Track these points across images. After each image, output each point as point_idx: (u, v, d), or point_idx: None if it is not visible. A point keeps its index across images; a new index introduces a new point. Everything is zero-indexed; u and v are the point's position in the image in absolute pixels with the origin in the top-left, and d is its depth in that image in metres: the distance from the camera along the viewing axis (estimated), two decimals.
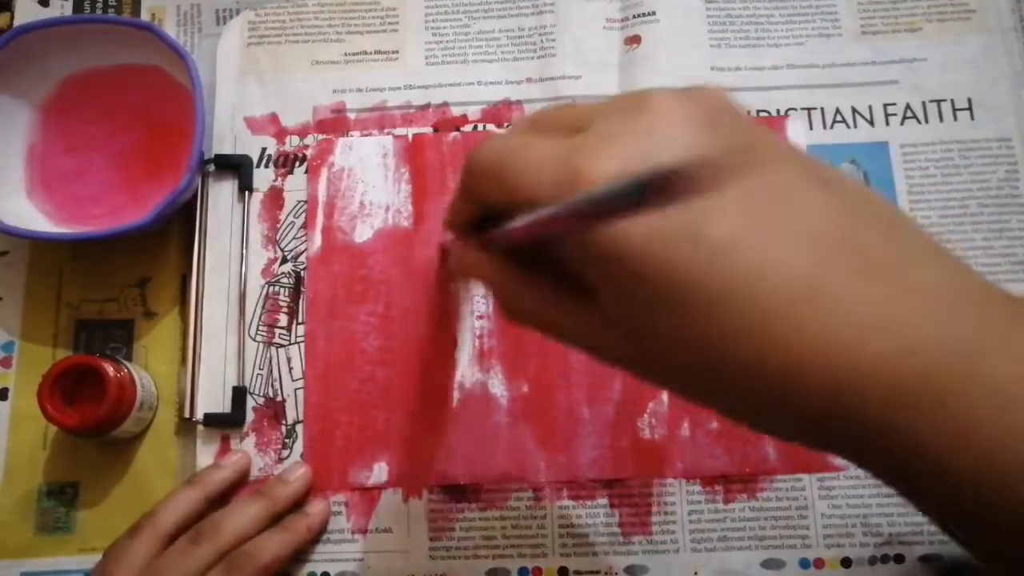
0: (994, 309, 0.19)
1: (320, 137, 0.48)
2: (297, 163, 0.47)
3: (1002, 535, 0.18)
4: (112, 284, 0.46)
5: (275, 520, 0.41)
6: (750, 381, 0.19)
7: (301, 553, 0.41)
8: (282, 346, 0.45)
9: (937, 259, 0.20)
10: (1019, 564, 0.19)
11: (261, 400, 0.44)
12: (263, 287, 0.46)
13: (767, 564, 0.41)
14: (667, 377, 0.21)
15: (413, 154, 0.47)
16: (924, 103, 0.47)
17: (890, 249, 0.19)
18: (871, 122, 0.47)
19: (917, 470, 0.18)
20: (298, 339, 0.45)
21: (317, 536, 0.42)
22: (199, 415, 0.43)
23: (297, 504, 0.42)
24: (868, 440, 0.18)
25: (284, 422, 0.44)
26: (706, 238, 0.18)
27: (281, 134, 0.48)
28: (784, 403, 0.19)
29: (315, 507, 0.42)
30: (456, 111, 0.48)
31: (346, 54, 0.49)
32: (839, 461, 0.42)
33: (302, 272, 0.46)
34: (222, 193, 0.47)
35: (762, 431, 0.21)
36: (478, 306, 0.44)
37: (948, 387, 0.18)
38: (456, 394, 0.43)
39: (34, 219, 0.45)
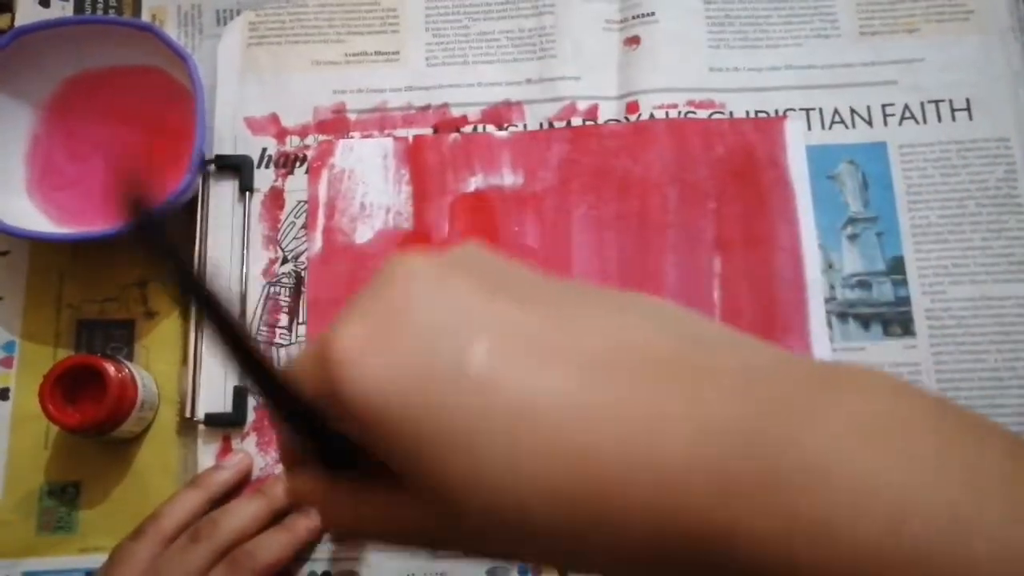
0: (799, 382, 0.18)
1: (320, 138, 0.48)
2: (297, 163, 0.47)
3: None
4: (113, 284, 0.46)
5: (275, 519, 0.41)
6: (559, 521, 0.17)
7: (302, 552, 0.41)
8: (283, 346, 0.45)
9: (731, 342, 0.19)
10: None
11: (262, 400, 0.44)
12: (264, 287, 0.46)
13: None
14: (488, 539, 0.19)
15: (413, 156, 0.47)
16: (922, 103, 0.47)
17: (670, 345, 0.18)
18: (869, 122, 0.47)
19: (762, 570, 0.16)
20: (298, 339, 0.45)
21: (318, 536, 0.42)
22: (200, 415, 0.44)
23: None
24: (704, 552, 0.17)
25: None
26: (467, 381, 0.17)
27: (281, 134, 0.48)
28: (601, 536, 0.17)
29: None
30: (456, 112, 0.48)
31: (346, 55, 0.49)
32: None
33: (303, 272, 0.46)
34: (223, 193, 0.47)
35: (600, 573, 0.19)
36: None
37: (760, 474, 0.16)
38: None
39: (35, 219, 0.45)
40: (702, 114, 0.47)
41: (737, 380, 0.18)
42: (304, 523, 0.41)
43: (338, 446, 0.20)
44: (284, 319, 0.45)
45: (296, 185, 0.47)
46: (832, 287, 0.45)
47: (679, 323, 0.19)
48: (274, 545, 0.39)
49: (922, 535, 0.15)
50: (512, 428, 0.17)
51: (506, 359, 0.18)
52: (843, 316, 0.44)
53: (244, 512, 0.40)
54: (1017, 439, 0.17)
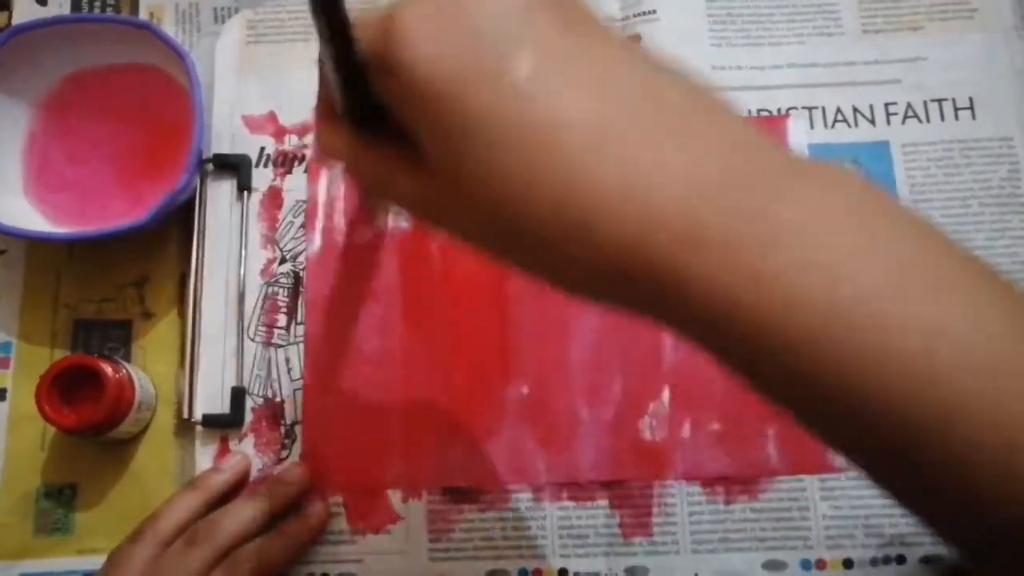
0: (782, 168, 0.20)
1: None
2: (296, 163, 0.47)
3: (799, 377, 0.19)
4: (110, 284, 0.46)
5: (273, 520, 0.41)
6: (549, 226, 0.20)
7: (301, 554, 0.41)
8: (281, 346, 0.45)
9: (740, 124, 0.21)
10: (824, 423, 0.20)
11: (260, 401, 0.44)
12: (262, 287, 0.45)
13: (768, 565, 0.41)
14: (481, 226, 0.22)
15: None
16: (925, 102, 0.47)
17: (687, 106, 0.21)
18: (872, 121, 0.47)
19: (709, 313, 0.19)
20: (297, 339, 0.45)
21: (316, 537, 0.42)
22: (198, 416, 0.43)
23: (295, 505, 0.42)
24: (664, 286, 0.19)
25: (283, 423, 0.44)
26: (508, 81, 0.19)
27: (280, 133, 0.48)
28: (583, 249, 0.20)
29: (314, 509, 0.41)
30: None
31: None
32: (840, 462, 0.42)
33: (301, 272, 0.45)
34: (221, 193, 0.47)
35: (569, 288, 0.21)
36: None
37: (726, 230, 0.19)
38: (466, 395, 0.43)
39: (32, 218, 0.45)
40: None
41: (736, 154, 0.20)
42: (303, 526, 0.41)
43: (374, 106, 0.22)
44: (282, 319, 0.45)
45: (294, 184, 0.47)
46: None
47: (706, 95, 0.21)
48: (273, 548, 0.39)
49: (850, 297, 0.18)
50: (531, 134, 0.19)
51: (546, 78, 0.20)
52: None
53: (242, 514, 0.39)
54: (965, 251, 0.20)
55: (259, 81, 0.48)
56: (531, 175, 0.19)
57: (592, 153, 0.19)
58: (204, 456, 0.43)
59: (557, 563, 0.41)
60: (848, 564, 0.41)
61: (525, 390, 0.43)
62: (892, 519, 0.41)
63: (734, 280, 0.19)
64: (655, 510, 0.42)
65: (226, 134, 0.47)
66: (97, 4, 0.50)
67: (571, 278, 0.21)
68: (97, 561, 0.39)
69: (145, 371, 0.44)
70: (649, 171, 0.19)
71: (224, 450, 0.43)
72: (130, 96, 0.47)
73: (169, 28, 0.50)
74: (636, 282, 0.20)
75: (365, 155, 0.24)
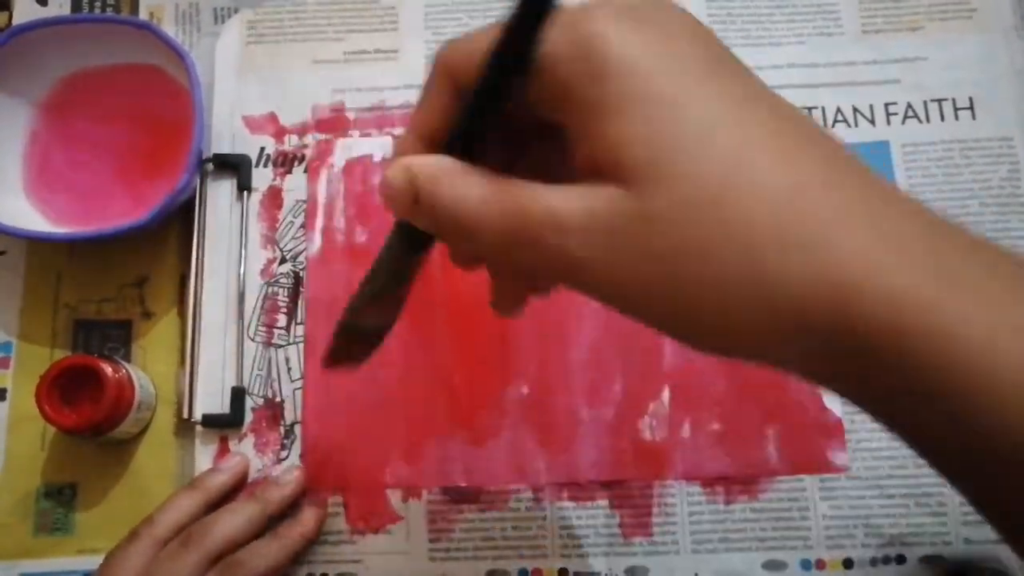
0: (967, 240, 0.20)
1: (319, 136, 0.47)
2: (296, 163, 0.47)
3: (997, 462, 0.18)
4: (110, 284, 0.46)
5: (269, 523, 0.40)
6: (712, 257, 0.19)
7: (298, 556, 0.41)
8: (281, 347, 0.45)
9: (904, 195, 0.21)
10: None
11: (260, 401, 0.44)
12: (262, 287, 0.45)
13: (768, 565, 0.41)
14: (640, 278, 0.19)
15: None
16: (925, 102, 0.47)
17: (861, 165, 0.20)
18: (872, 121, 0.47)
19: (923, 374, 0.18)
20: (297, 339, 0.45)
21: (311, 542, 0.41)
22: (197, 416, 0.43)
23: (291, 507, 0.41)
24: (878, 344, 0.18)
25: (283, 423, 0.44)
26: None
27: (280, 133, 0.48)
28: (755, 291, 0.19)
29: (309, 514, 0.41)
30: None
31: (345, 53, 0.49)
32: (840, 462, 0.42)
33: (301, 272, 0.45)
34: (221, 193, 0.47)
35: (736, 352, 0.20)
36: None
37: (955, 292, 0.18)
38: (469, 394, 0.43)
39: (32, 219, 0.45)
40: None
41: (931, 223, 0.20)
42: (298, 530, 0.41)
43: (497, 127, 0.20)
44: (282, 319, 0.45)
45: (294, 184, 0.47)
46: None
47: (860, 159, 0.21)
48: (265, 553, 0.39)
49: None
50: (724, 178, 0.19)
51: (720, 112, 0.19)
52: None
53: (236, 518, 0.39)
54: None
55: (259, 81, 0.48)
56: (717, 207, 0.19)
57: (770, 206, 0.19)
58: (204, 456, 0.43)
59: (557, 563, 0.41)
60: (848, 564, 0.41)
61: (525, 390, 0.43)
62: (892, 519, 0.41)
63: (972, 344, 0.18)
64: (655, 510, 0.42)
65: (226, 134, 0.47)
66: (97, 4, 0.50)
67: (756, 325, 0.19)
68: (97, 561, 0.39)
69: (145, 371, 0.44)
70: (847, 226, 0.19)
71: (224, 450, 0.43)
72: (130, 96, 0.47)
73: (169, 28, 0.50)
74: (840, 336, 0.18)
75: (469, 175, 0.21)
